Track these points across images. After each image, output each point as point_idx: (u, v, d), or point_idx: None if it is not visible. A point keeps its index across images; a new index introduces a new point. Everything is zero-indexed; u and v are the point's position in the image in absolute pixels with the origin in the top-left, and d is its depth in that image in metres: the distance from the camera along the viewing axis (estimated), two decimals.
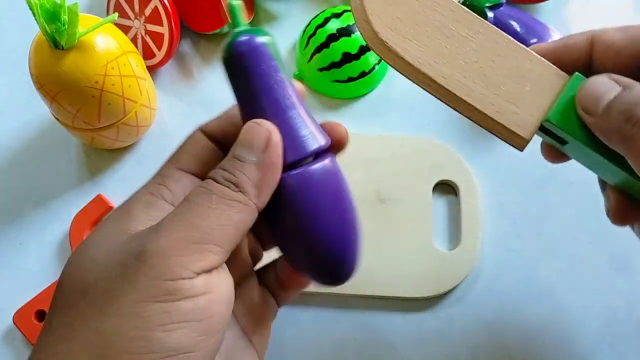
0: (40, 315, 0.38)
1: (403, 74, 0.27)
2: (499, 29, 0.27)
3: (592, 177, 0.41)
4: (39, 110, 0.44)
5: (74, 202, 0.42)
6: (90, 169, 0.44)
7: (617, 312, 0.38)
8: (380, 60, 0.45)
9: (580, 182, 0.42)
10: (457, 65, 0.27)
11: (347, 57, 0.43)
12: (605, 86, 0.24)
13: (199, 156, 0.26)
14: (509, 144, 0.28)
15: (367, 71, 0.44)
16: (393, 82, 0.46)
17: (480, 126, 0.27)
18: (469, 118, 0.27)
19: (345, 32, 0.43)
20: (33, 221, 0.42)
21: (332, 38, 0.43)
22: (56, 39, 0.35)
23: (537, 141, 0.47)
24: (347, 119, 0.45)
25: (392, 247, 0.39)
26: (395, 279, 0.38)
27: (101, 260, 0.22)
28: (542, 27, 0.43)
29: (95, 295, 0.21)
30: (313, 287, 0.38)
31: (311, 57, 0.44)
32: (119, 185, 0.43)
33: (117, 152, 0.44)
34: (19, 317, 0.38)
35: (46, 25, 0.34)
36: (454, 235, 0.41)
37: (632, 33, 0.25)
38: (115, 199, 0.42)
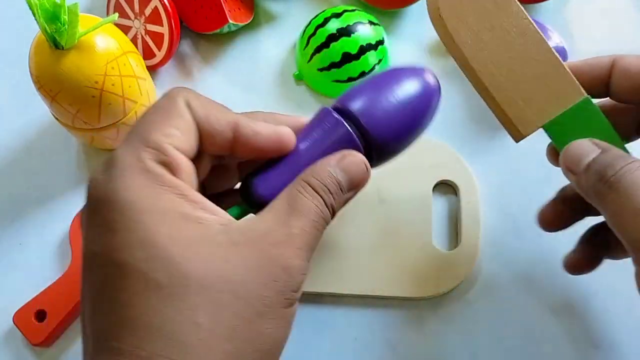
0: (40, 315, 0.38)
1: (444, 42, 0.31)
2: (543, 36, 0.30)
3: None
4: (39, 110, 0.44)
5: (74, 202, 0.42)
6: (90, 169, 0.44)
7: (617, 312, 0.38)
8: (380, 60, 0.45)
9: None
10: (491, 52, 0.30)
11: (347, 57, 0.43)
12: (586, 149, 0.28)
13: (188, 139, 0.26)
14: (508, 132, 0.31)
15: (367, 71, 0.44)
16: None
17: (489, 107, 0.31)
18: (482, 98, 0.31)
19: (345, 32, 0.43)
20: (33, 221, 0.42)
21: (332, 38, 0.43)
22: (56, 39, 0.35)
23: (537, 142, 0.47)
24: None
25: (392, 247, 0.39)
26: (395, 279, 0.38)
27: (238, 262, 0.24)
28: (541, 27, 0.43)
29: (253, 301, 0.24)
30: (313, 288, 0.38)
31: (311, 57, 0.44)
32: None
33: None
34: (19, 317, 0.38)
35: (46, 26, 0.34)
36: (454, 235, 0.41)
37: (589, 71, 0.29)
38: None
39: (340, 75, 0.44)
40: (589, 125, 0.30)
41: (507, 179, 0.42)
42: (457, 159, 0.42)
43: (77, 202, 0.42)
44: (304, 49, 0.45)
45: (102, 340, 0.23)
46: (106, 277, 0.24)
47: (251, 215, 0.27)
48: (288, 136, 0.29)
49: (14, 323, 0.38)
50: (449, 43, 0.31)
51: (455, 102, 0.45)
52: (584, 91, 0.30)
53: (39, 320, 0.38)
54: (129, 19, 0.46)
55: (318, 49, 0.44)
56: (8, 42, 0.48)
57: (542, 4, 0.48)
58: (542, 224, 0.34)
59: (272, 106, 0.46)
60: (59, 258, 0.41)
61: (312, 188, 0.27)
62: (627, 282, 0.40)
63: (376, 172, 0.41)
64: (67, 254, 0.41)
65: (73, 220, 0.41)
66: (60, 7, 0.34)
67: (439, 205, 0.41)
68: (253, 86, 0.47)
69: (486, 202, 0.41)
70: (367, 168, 0.28)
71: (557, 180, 0.42)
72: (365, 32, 0.44)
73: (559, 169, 0.42)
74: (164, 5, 0.43)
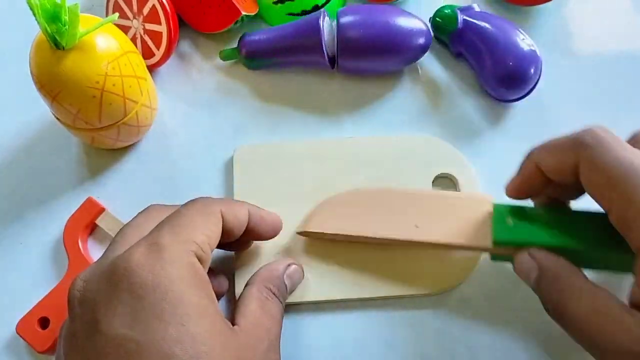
0: (43, 322, 0.38)
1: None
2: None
3: None
4: (39, 110, 0.44)
5: (75, 202, 0.42)
6: (90, 169, 0.44)
7: None
8: None
9: None
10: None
11: None
12: (528, 267, 0.31)
13: (216, 241, 0.31)
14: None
15: (320, 5, 0.46)
16: None
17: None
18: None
19: None
20: (34, 221, 0.42)
21: None
22: (57, 39, 0.34)
23: (537, 142, 0.47)
24: None
25: (392, 248, 0.39)
26: (395, 279, 0.38)
27: None
28: (511, 26, 0.43)
29: None
30: (320, 297, 0.38)
31: None
32: (119, 185, 0.43)
33: (118, 152, 0.44)
34: (22, 327, 0.38)
35: (47, 26, 0.34)
36: None
37: (557, 156, 0.31)
38: (116, 199, 0.42)
39: (294, 8, 0.46)
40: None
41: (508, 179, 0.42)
42: (453, 152, 0.42)
43: (77, 202, 0.42)
44: None
45: None
46: None
47: (240, 318, 0.32)
48: (281, 223, 0.37)
49: (18, 333, 0.38)
50: None
51: (453, 102, 0.45)
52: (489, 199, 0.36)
53: (42, 328, 0.38)
54: (128, 19, 0.45)
55: None
56: (8, 42, 0.48)
57: (542, 5, 0.48)
58: (513, 193, 0.35)
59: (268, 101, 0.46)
60: (60, 259, 0.41)
61: (275, 296, 0.34)
62: (628, 280, 0.40)
63: (375, 174, 0.41)
64: (66, 256, 0.41)
65: (66, 224, 0.41)
66: (60, 7, 0.34)
67: None
68: (253, 82, 0.46)
69: None
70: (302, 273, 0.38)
71: None
72: None
73: None
74: (161, 3, 0.43)
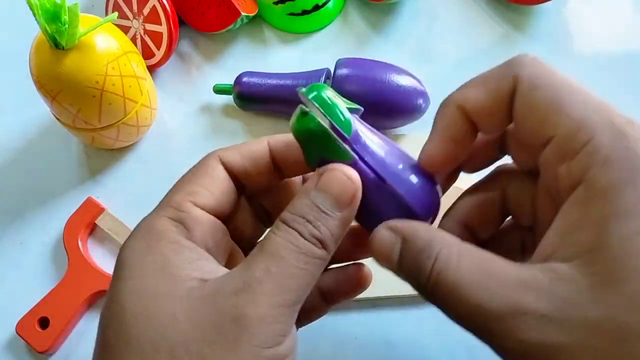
0: (43, 322, 0.38)
1: None
2: None
3: None
4: (39, 110, 0.44)
5: (75, 202, 0.42)
6: (90, 169, 0.44)
7: None
8: None
9: None
10: None
11: None
12: (388, 242, 0.24)
13: (216, 196, 0.25)
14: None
15: (320, 4, 0.46)
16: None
17: None
18: None
19: None
20: (34, 221, 0.42)
21: None
22: (57, 39, 0.35)
23: None
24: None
25: None
26: (395, 279, 0.38)
27: (184, 318, 0.21)
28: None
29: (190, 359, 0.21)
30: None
31: None
32: (119, 184, 0.43)
33: (118, 152, 0.44)
34: (22, 327, 0.38)
35: (47, 26, 0.34)
36: None
37: (488, 85, 0.23)
38: (115, 199, 0.42)
39: (294, 8, 0.46)
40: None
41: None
42: None
43: (77, 201, 0.42)
44: None
45: None
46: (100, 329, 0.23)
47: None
48: None
49: (17, 333, 0.38)
50: None
51: None
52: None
53: (42, 328, 0.38)
54: (128, 19, 0.46)
55: None
56: (8, 42, 0.48)
57: (541, 5, 0.48)
58: (430, 161, 0.26)
59: None
60: (59, 259, 0.41)
61: (285, 223, 0.23)
62: None
63: None
64: (64, 256, 0.40)
65: (66, 224, 0.41)
66: (60, 7, 0.34)
67: None
68: None
69: None
70: (350, 177, 0.24)
71: None
72: None
73: None
74: (162, 4, 0.43)
